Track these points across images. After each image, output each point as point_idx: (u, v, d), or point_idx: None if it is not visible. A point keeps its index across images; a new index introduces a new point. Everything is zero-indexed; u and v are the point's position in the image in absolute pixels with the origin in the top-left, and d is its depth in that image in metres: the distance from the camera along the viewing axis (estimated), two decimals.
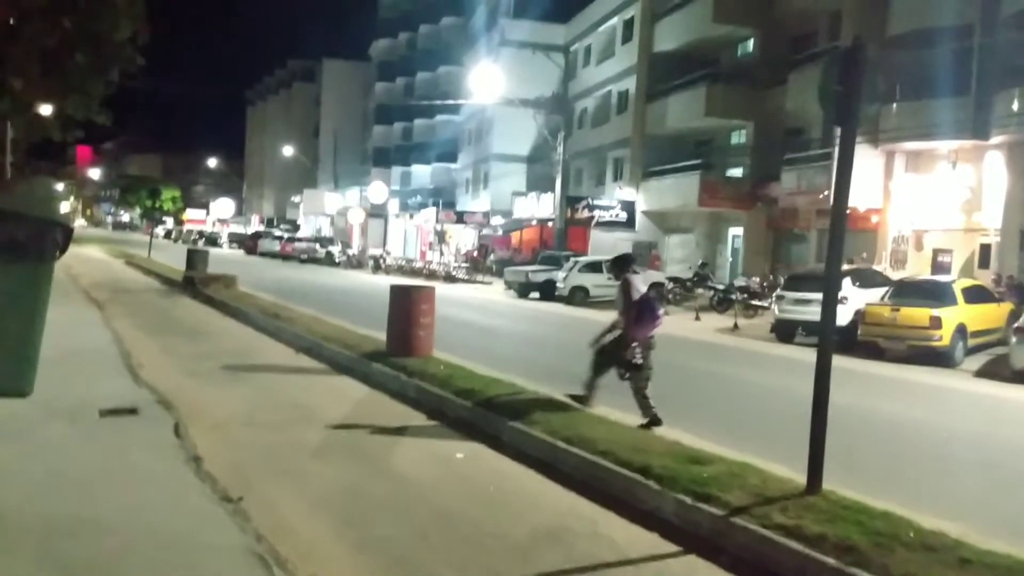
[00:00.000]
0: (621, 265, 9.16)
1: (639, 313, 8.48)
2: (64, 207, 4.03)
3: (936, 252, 24.84)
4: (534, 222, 43.76)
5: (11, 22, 15.26)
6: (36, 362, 4.51)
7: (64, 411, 7.49)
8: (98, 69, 17.85)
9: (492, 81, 36.09)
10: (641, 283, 8.88)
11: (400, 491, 6.36)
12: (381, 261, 42.65)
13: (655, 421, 8.32)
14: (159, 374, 10.00)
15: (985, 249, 23.24)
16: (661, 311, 8.78)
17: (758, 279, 26.98)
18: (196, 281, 22.17)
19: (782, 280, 21.72)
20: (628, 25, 39.64)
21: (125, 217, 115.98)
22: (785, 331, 19.03)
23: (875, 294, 17.66)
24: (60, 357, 10.45)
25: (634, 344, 8.41)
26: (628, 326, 8.53)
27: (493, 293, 31.37)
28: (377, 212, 58.81)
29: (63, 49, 16.14)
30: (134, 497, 5.41)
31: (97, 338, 12.25)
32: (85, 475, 5.80)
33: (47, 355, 10.47)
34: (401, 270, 41.13)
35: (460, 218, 51.46)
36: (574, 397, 9.00)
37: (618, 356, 8.54)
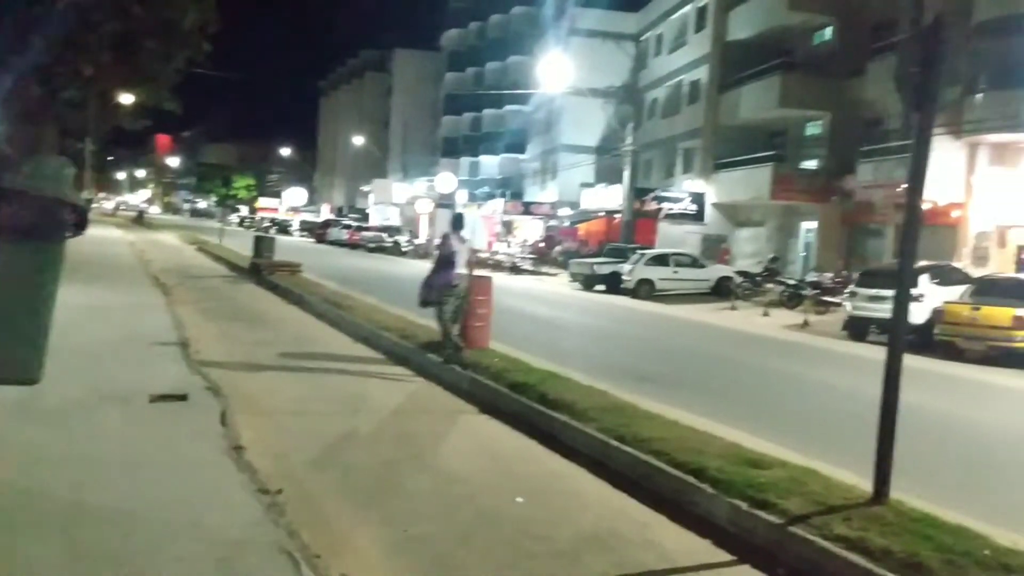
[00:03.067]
0: (453, 224, 11.47)
1: (445, 264, 10.80)
2: (67, 184, 3.83)
3: (1021, 249, 23.74)
4: (601, 214, 43.30)
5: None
6: (44, 348, 4.39)
7: (115, 396, 7.51)
8: (167, 56, 18.09)
9: (561, 70, 35.73)
10: (457, 243, 10.91)
11: (445, 488, 6.17)
12: None
13: (458, 352, 10.35)
14: (214, 360, 10.00)
15: None
16: (459, 270, 10.87)
17: (831, 275, 26.19)
18: (262, 268, 22.39)
19: (856, 276, 21.01)
20: (701, 13, 38.93)
21: (201, 204, 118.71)
22: (858, 329, 18.41)
23: (954, 292, 16.93)
24: (120, 341, 10.59)
25: (433, 293, 10.72)
26: (436, 271, 10.88)
27: (558, 285, 31.14)
28: (445, 202, 58.88)
29: (133, 35, 16.37)
30: (171, 486, 5.32)
31: (159, 323, 12.34)
32: (124, 462, 5.74)
33: (108, 339, 10.64)
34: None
35: (527, 209, 51.27)
36: (448, 359, 10.41)
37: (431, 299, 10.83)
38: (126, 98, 24.37)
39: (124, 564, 4.17)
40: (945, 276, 18.37)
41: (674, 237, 36.48)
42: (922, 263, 18.97)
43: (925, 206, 24.90)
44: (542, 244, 46.01)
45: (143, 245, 33.80)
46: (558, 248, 43.93)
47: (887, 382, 5.59)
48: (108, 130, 30.06)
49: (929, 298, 16.93)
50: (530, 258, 40.53)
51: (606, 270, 29.03)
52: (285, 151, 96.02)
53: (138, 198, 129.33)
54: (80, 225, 4.12)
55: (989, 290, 16.37)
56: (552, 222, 49.93)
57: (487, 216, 58.02)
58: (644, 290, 26.97)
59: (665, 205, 36.17)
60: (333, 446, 7.03)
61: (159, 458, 5.93)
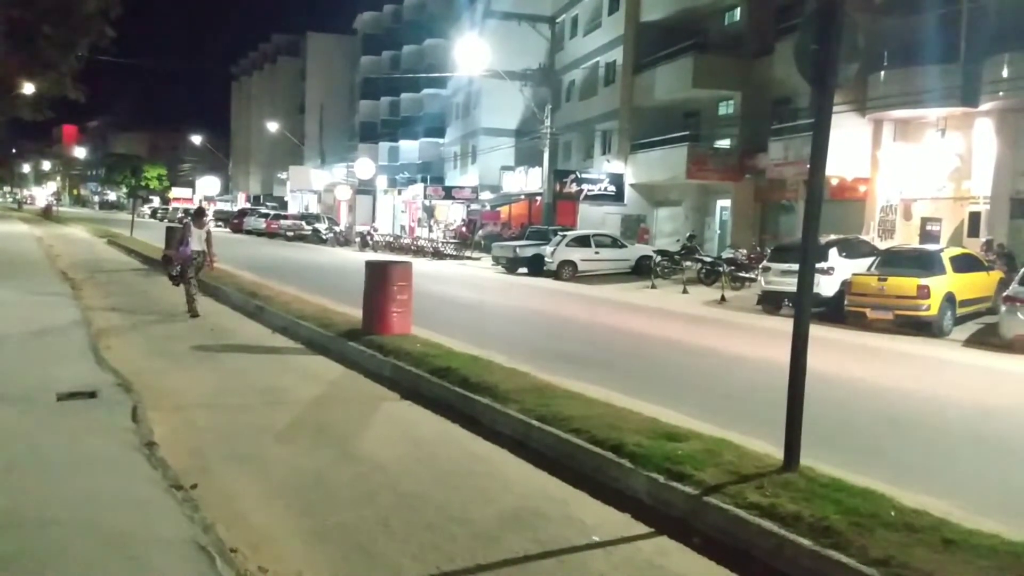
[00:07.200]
0: (194, 216, 15.36)
1: (180, 245, 14.14)
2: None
3: (925, 221, 24.60)
4: (523, 197, 43.38)
5: None
6: None
7: (20, 395, 7.26)
8: (68, 43, 17.32)
9: (478, 53, 35.52)
10: (195, 229, 14.31)
11: (365, 475, 6.13)
12: (369, 238, 42.27)
13: (195, 314, 13.64)
14: (125, 356, 9.74)
15: (975, 217, 23.01)
16: (191, 248, 14.05)
17: (745, 251, 26.77)
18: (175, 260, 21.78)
19: (769, 251, 21.50)
20: None
21: (111, 196, 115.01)
22: (772, 302, 18.85)
23: (862, 264, 17.46)
24: (25, 339, 10.22)
25: (176, 264, 14.34)
26: (174, 250, 14.61)
27: (481, 269, 31.12)
28: (365, 188, 58.23)
29: (30, 21, 15.64)
30: (81, 486, 5.16)
31: (66, 319, 11.95)
32: (27, 462, 5.55)
33: (11, 337, 10.24)
34: (389, 246, 40.80)
35: (448, 193, 51.05)
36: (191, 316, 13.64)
37: (170, 272, 14.79)
38: (26, 87, 23.41)
39: (20, 569, 4.02)
40: (853, 249, 18.89)
41: (595, 218, 36.81)
42: (831, 236, 19.55)
43: (833, 181, 25.61)
44: (464, 228, 45.90)
45: (51, 240, 32.61)
46: (480, 232, 43.87)
47: (794, 354, 5.73)
48: (6, 121, 28.76)
49: (838, 271, 17.41)
50: (452, 243, 40.40)
51: (528, 253, 29.11)
52: (197, 139, 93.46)
53: (45, 191, 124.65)
54: None
55: (895, 261, 16.91)
56: (474, 206, 49.81)
57: (408, 202, 57.75)
58: (566, 272, 27.14)
59: (585, 187, 36.42)
60: (250, 439, 6.91)
61: (66, 457, 5.75)
